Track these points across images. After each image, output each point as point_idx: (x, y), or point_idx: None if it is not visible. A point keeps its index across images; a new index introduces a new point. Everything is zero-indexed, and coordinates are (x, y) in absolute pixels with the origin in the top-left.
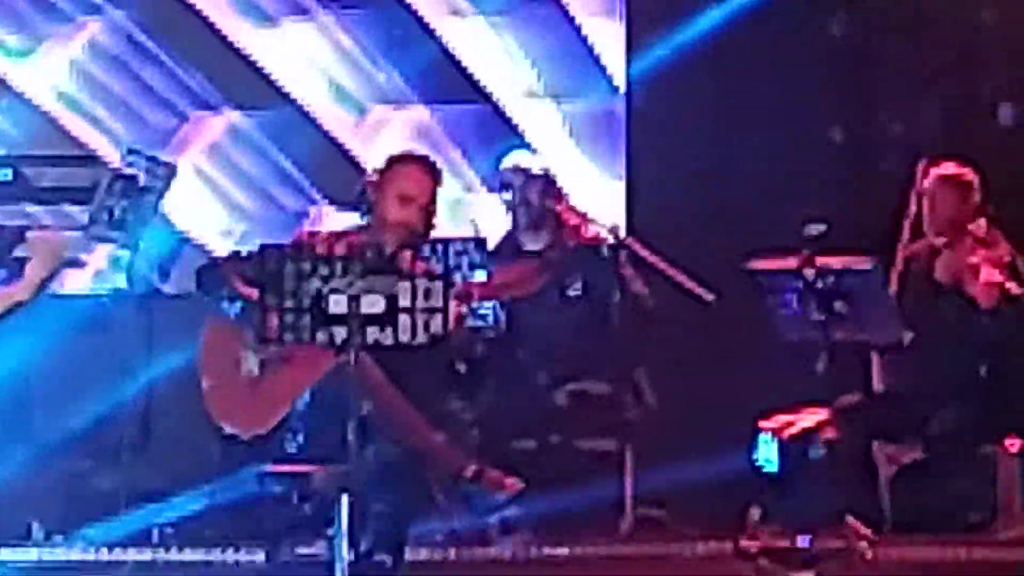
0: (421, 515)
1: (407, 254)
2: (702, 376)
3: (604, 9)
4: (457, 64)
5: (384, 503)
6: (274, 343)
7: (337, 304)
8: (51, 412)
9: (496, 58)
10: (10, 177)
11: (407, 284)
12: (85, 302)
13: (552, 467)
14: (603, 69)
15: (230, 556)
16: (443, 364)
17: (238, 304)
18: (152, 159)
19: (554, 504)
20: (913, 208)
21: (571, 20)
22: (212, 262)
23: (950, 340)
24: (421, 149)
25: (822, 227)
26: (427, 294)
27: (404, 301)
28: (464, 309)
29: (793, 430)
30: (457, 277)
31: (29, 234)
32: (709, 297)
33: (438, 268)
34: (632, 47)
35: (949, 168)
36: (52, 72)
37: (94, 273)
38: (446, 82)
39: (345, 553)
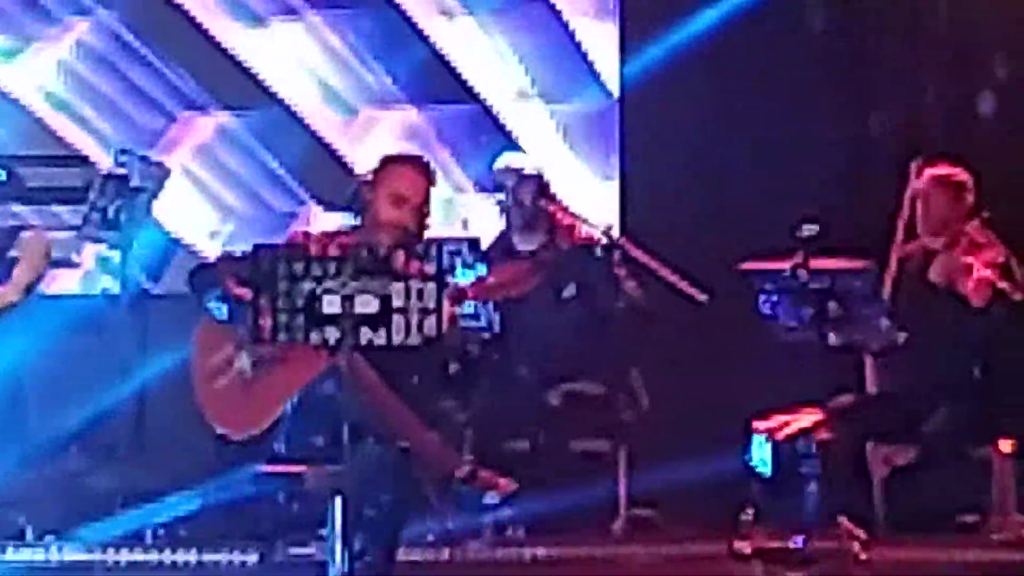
0: (414, 515)
1: (400, 255)
2: (695, 377)
3: (597, 10)
4: (447, 65)
5: (377, 504)
6: (267, 343)
7: (330, 304)
8: (45, 413)
9: (487, 59)
10: (3, 177)
11: (400, 285)
12: (78, 302)
13: (545, 468)
14: (595, 70)
15: (224, 556)
16: (437, 365)
17: (224, 307)
18: (144, 159)
19: (547, 505)
20: (907, 209)
21: (563, 21)
22: (205, 263)
23: (944, 341)
24: (411, 150)
25: (815, 228)
26: (420, 295)
27: (397, 302)
28: (458, 310)
29: (787, 431)
30: (450, 278)
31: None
32: (702, 298)
33: (431, 269)
34: (625, 48)
35: (942, 169)
36: (40, 73)
37: (83, 274)
38: (436, 83)
39: (339, 554)
